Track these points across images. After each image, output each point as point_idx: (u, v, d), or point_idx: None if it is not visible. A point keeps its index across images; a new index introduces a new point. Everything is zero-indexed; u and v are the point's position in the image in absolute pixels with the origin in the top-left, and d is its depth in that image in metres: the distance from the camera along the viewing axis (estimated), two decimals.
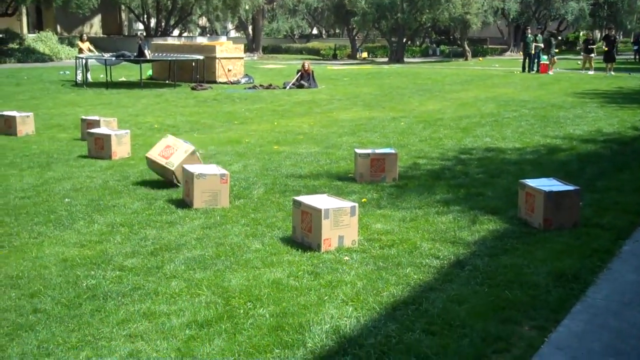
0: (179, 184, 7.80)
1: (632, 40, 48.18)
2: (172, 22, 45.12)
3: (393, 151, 8.50)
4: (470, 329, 4.20)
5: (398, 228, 6.37)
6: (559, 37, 31.82)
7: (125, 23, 53.99)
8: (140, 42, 23.34)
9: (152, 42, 29.82)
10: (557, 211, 6.29)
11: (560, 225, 6.28)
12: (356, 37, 50.11)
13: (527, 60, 30.66)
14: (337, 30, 66.28)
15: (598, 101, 17.54)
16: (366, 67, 35.97)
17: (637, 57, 43.51)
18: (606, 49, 30.52)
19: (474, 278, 5.05)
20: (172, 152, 7.97)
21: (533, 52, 30.36)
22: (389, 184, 8.12)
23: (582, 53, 31.69)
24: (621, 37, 41.76)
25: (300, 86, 21.91)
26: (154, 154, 8.09)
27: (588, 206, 6.99)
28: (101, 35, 47.30)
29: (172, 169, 7.80)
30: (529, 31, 33.73)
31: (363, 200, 7.35)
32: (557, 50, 31.78)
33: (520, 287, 4.86)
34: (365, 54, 48.47)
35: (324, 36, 67.82)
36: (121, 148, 10.00)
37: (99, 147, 9.89)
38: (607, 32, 37.19)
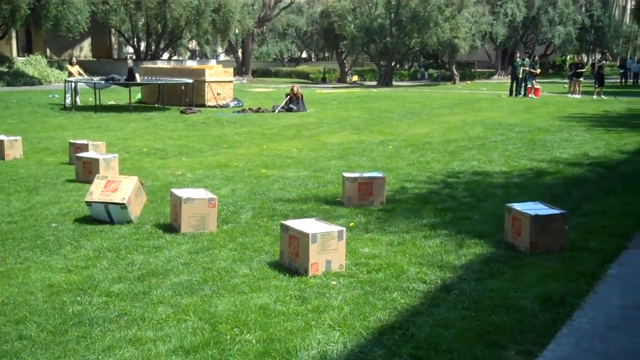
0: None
1: (618, 64, 48.67)
2: (161, 46, 45.28)
3: (381, 175, 8.54)
4: (457, 354, 4.20)
5: (385, 252, 6.38)
6: (535, 60, 32.04)
7: (115, 46, 54.13)
8: (130, 65, 23.40)
9: (142, 66, 29.92)
10: (544, 235, 6.33)
11: (547, 249, 6.31)
12: (345, 61, 50.42)
13: (514, 84, 30.93)
14: (327, 54, 66.65)
15: (584, 125, 17.69)
16: (355, 90, 36.16)
17: (624, 80, 43.99)
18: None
19: (461, 302, 5.07)
20: (117, 186, 7.47)
21: (521, 76, 30.63)
22: (377, 208, 8.15)
23: (569, 77, 31.98)
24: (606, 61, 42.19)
25: (289, 110, 21.99)
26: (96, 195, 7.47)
27: (574, 230, 7.03)
28: (91, 59, 47.38)
29: (125, 202, 7.31)
30: (518, 55, 34.07)
31: (351, 224, 7.36)
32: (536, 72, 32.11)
33: (507, 311, 4.88)
34: (356, 77, 48.76)
35: (313, 60, 68.21)
36: (109, 172, 9.97)
37: (87, 171, 9.87)
38: (599, 57, 37.66)
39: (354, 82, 47.43)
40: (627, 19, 71.43)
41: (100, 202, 7.35)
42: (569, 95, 30.25)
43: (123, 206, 7.30)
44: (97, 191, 7.45)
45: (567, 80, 34.21)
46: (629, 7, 70.19)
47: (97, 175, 8.17)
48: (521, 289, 5.32)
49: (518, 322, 4.69)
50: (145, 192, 7.97)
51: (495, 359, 4.16)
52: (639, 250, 6.47)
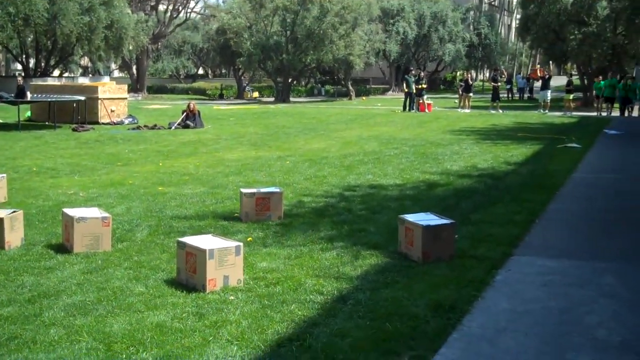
0: None
1: (504, 80, 50.88)
2: (52, 62, 43.84)
3: (278, 190, 8.61)
4: None
5: (283, 266, 6.44)
6: (421, 76, 33.06)
7: (2, 63, 52.05)
8: (20, 82, 22.59)
9: (32, 83, 28.93)
10: (435, 244, 6.56)
11: (438, 258, 6.54)
12: (242, 77, 50.40)
13: (407, 100, 31.77)
14: (224, 70, 66.44)
15: (473, 138, 18.40)
16: (252, 107, 36.20)
17: (510, 95, 46.00)
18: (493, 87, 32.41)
19: (357, 312, 5.18)
20: None
21: (415, 91, 31.51)
22: (275, 223, 8.21)
23: (459, 92, 33.21)
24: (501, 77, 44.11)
25: (186, 126, 21.79)
26: None
27: (464, 238, 7.32)
28: None
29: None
30: (413, 72, 35.07)
31: (249, 239, 7.39)
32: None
33: (401, 318, 5.03)
34: (256, 94, 48.76)
35: (210, 76, 67.77)
36: None
37: None
38: (494, 73, 39.32)
39: (255, 98, 47.46)
40: (513, 37, 74.82)
41: None
42: (459, 110, 31.40)
43: None
44: None
45: (457, 95, 35.52)
46: (514, 25, 73.51)
47: None
48: (414, 297, 5.50)
49: (411, 329, 4.84)
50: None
51: None
52: (525, 257, 6.79)
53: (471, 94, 32.47)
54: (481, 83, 59.06)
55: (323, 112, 30.86)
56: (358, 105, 38.48)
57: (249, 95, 48.42)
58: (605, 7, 33.37)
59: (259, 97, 48.31)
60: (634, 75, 34.84)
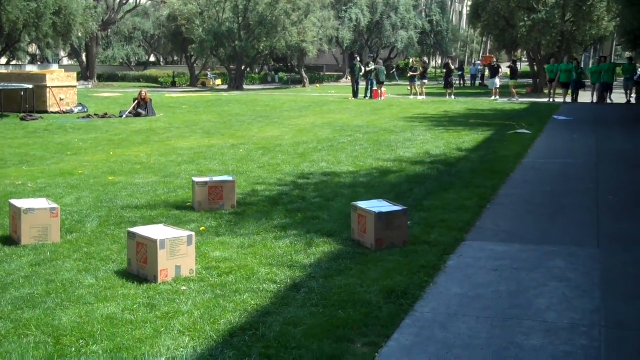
0: None
1: (456, 67, 51.42)
2: None
3: (231, 179, 8.55)
4: (306, 350, 4.30)
5: (236, 255, 6.41)
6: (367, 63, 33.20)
7: None
8: None
9: None
10: (388, 231, 6.59)
11: (391, 244, 6.58)
12: (195, 65, 49.92)
13: (355, 87, 31.82)
14: (176, 58, 65.69)
15: (426, 125, 18.53)
16: (205, 94, 35.87)
17: (462, 82, 46.51)
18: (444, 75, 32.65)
19: (310, 300, 5.18)
20: None
21: (363, 79, 31.57)
22: (228, 212, 8.15)
23: (410, 79, 33.36)
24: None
25: (138, 115, 21.50)
26: None
27: (417, 225, 7.37)
28: None
29: None
30: (358, 58, 35.15)
31: (201, 228, 7.33)
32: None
33: (354, 306, 5.04)
34: (219, 81, 48.24)
35: (162, 64, 67.00)
36: None
37: None
38: (447, 60, 39.68)
39: (218, 85, 47.06)
40: (464, 24, 75.56)
41: None
42: (411, 97, 31.60)
43: None
44: None
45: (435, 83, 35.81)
46: (465, 12, 74.20)
47: None
48: (367, 283, 5.52)
49: (364, 316, 4.86)
50: None
51: (343, 352, 4.29)
52: (476, 242, 6.87)
53: (425, 81, 32.71)
54: (434, 70, 59.52)
55: (277, 99, 30.76)
56: (312, 92, 38.44)
57: (211, 83, 48.04)
58: None
59: (212, 85, 47.93)
60: (581, 61, 35.50)
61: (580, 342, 4.46)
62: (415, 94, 31.82)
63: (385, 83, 32.20)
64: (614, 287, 5.56)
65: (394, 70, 31.18)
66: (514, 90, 30.47)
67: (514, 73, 31.79)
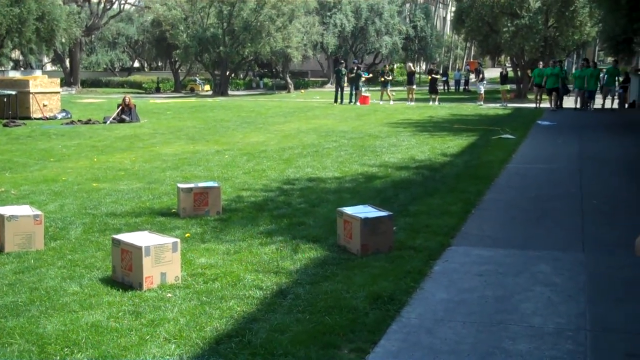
0: None
1: (437, 71, 51.59)
2: None
3: (216, 185, 8.52)
4: (293, 357, 4.28)
5: (222, 261, 6.38)
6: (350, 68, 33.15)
7: None
8: None
9: None
10: (373, 236, 6.59)
11: (377, 250, 6.58)
12: (179, 70, 49.81)
13: (339, 92, 31.84)
14: (160, 63, 65.49)
15: (411, 130, 18.58)
16: (190, 100, 35.79)
17: (446, 87, 46.70)
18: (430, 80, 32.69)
19: (296, 306, 5.17)
20: None
21: (346, 84, 31.59)
22: (213, 218, 8.13)
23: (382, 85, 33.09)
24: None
25: (122, 120, 21.41)
26: None
27: (402, 230, 7.38)
28: None
29: None
30: (343, 64, 35.20)
31: (187, 235, 7.29)
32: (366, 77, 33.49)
33: (340, 311, 5.03)
34: (208, 87, 48.12)
35: (146, 69, 66.77)
36: None
37: None
38: (431, 66, 39.82)
39: (207, 91, 46.98)
40: (448, 30, 75.92)
41: None
42: (381, 102, 31.59)
43: None
44: None
45: (402, 88, 35.78)
46: (449, 18, 74.59)
47: None
48: (353, 289, 5.51)
49: (351, 322, 4.85)
50: None
51: (329, 358, 4.28)
52: (462, 247, 6.89)
53: (414, 86, 32.75)
54: (418, 76, 59.73)
55: (262, 105, 30.73)
56: (297, 98, 38.46)
57: (200, 88, 47.97)
58: None
59: (204, 90, 47.85)
60: (564, 66, 35.69)
61: (566, 346, 4.48)
62: (387, 100, 31.84)
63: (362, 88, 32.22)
64: (599, 291, 5.59)
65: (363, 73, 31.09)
66: (507, 95, 30.88)
67: (504, 78, 31.96)
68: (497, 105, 29.64)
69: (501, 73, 32.59)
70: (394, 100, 31.67)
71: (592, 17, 33.81)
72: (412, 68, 34.25)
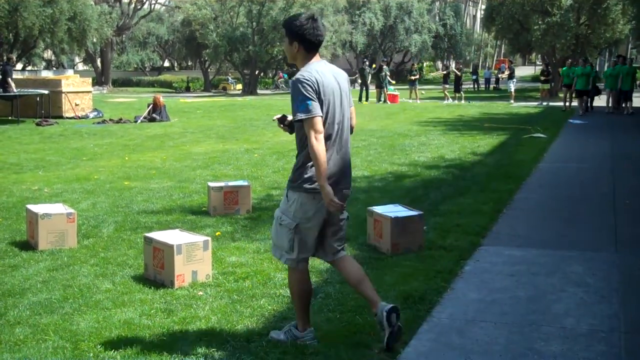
0: None
1: (470, 71, 51.21)
2: (14, 56, 43.15)
3: (246, 183, 8.56)
4: (323, 356, 4.28)
5: (252, 260, 6.40)
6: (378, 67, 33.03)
7: None
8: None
9: None
10: (404, 236, 6.57)
11: (407, 249, 6.56)
12: (209, 70, 50.09)
13: (364, 91, 31.85)
14: (190, 63, 65.94)
15: (441, 129, 18.49)
16: (220, 99, 35.98)
17: (476, 86, 46.34)
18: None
19: (327, 305, 5.17)
20: None
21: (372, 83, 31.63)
22: (243, 216, 8.16)
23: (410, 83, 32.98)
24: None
25: (152, 120, 21.59)
26: None
27: (432, 229, 7.34)
28: None
29: None
30: (366, 62, 35.18)
31: (217, 233, 7.33)
32: (393, 82, 33.45)
33: (370, 311, 5.01)
34: (240, 86, 48.32)
35: (176, 69, 67.29)
36: None
37: None
38: (458, 66, 39.66)
39: (239, 89, 47.21)
40: (478, 28, 75.37)
41: None
42: (410, 101, 31.49)
43: None
44: None
45: (439, 87, 35.72)
46: (479, 16, 74.07)
47: None
48: (384, 289, 5.49)
49: None
50: None
51: (360, 358, 4.27)
52: (493, 247, 6.84)
53: (447, 85, 32.58)
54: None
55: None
56: None
57: (232, 87, 48.21)
58: None
59: (237, 89, 48.08)
60: (594, 65, 35.22)
61: (599, 348, 4.42)
62: (414, 99, 31.73)
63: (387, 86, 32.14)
64: (632, 292, 5.51)
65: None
66: (548, 94, 30.83)
67: (549, 76, 31.72)
68: (535, 104, 29.37)
69: (542, 71, 32.26)
70: (420, 99, 31.53)
71: (624, 14, 33.36)
72: (459, 73, 33.43)
